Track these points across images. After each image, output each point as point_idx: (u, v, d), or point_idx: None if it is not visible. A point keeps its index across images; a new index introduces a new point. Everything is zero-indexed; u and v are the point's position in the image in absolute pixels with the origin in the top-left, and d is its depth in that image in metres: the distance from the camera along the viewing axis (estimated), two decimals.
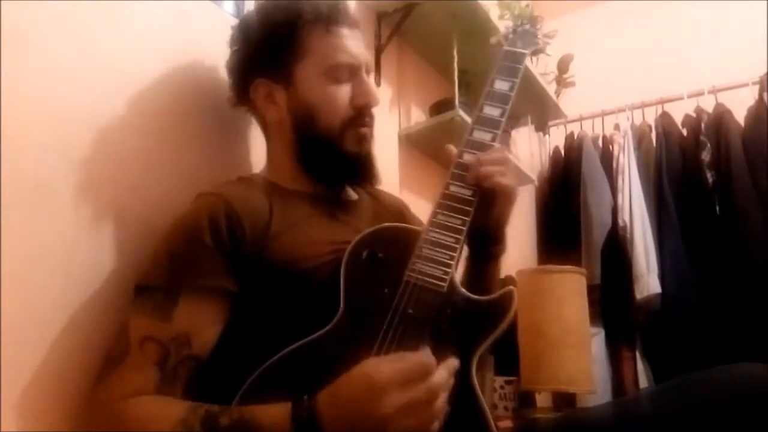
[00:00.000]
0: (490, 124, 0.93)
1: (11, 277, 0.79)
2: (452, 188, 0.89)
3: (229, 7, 1.23)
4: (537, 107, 2.42)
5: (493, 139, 0.91)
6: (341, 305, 0.80)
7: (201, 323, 0.80)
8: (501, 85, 0.96)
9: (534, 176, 2.42)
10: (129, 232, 0.95)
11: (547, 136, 2.75)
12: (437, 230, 0.84)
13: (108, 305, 0.89)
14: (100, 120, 0.94)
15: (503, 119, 0.93)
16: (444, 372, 0.69)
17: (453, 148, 0.93)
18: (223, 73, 1.09)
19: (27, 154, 0.83)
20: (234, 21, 1.18)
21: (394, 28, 1.77)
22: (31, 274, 0.82)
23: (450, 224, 0.85)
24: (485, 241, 0.94)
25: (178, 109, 1.07)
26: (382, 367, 0.67)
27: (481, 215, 0.88)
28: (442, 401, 0.68)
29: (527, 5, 2.01)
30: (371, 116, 1.00)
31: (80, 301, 0.87)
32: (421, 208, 1.17)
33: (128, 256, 0.93)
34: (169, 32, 1.08)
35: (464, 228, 0.84)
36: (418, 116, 1.94)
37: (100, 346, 0.85)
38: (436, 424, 0.68)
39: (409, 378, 0.66)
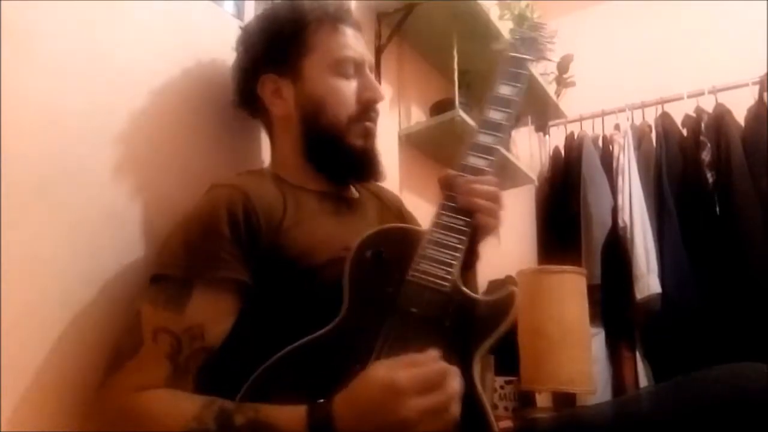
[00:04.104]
0: (495, 128, 0.94)
1: (11, 277, 0.78)
2: None
3: (230, 7, 1.23)
4: (537, 107, 2.42)
5: (497, 143, 0.92)
6: (345, 303, 0.81)
7: (215, 315, 0.80)
8: (505, 90, 0.97)
9: (534, 176, 2.42)
10: (129, 232, 0.95)
11: (547, 136, 2.75)
12: (441, 231, 0.85)
13: (108, 305, 0.89)
14: (100, 120, 0.93)
15: (508, 123, 0.94)
16: (458, 377, 0.70)
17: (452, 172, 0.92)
18: (223, 72, 1.09)
19: (27, 155, 0.83)
20: (234, 21, 1.19)
21: (394, 28, 1.77)
22: (31, 274, 0.82)
23: (453, 225, 0.85)
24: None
25: (179, 108, 1.07)
26: (402, 371, 0.67)
27: None
28: (458, 406, 0.69)
29: (527, 5, 2.01)
30: (376, 111, 1.01)
31: (81, 301, 0.87)
32: (421, 209, 1.17)
33: (128, 256, 0.93)
34: (170, 32, 1.08)
35: (468, 229, 0.85)
36: (418, 116, 1.94)
37: (100, 346, 0.84)
38: (452, 429, 0.68)
39: (430, 383, 0.67)
